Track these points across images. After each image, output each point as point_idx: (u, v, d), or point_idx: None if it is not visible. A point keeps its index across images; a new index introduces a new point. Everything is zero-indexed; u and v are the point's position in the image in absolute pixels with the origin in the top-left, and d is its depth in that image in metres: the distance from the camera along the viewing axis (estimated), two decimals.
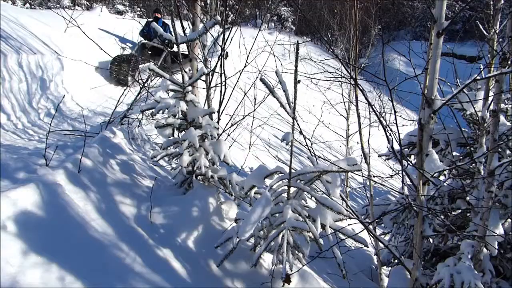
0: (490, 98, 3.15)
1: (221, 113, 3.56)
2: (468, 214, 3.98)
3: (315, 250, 2.68)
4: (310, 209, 2.64)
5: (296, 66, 2.24)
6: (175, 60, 7.72)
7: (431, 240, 4.15)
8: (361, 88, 2.76)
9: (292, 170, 2.52)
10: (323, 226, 2.53)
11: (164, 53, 7.58)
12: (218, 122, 3.41)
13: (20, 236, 1.97)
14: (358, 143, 5.01)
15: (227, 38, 3.47)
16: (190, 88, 3.05)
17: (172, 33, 2.96)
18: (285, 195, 2.63)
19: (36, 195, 2.26)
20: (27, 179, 2.47)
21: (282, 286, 2.55)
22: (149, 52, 8.30)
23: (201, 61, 3.65)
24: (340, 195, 2.64)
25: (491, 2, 3.11)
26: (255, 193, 2.86)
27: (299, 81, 2.27)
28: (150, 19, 8.38)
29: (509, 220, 3.62)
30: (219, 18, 3.09)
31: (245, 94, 4.32)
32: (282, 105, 2.33)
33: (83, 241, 2.22)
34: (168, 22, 8.45)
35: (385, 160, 5.08)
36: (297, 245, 2.60)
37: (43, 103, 5.22)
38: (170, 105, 2.87)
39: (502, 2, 3.04)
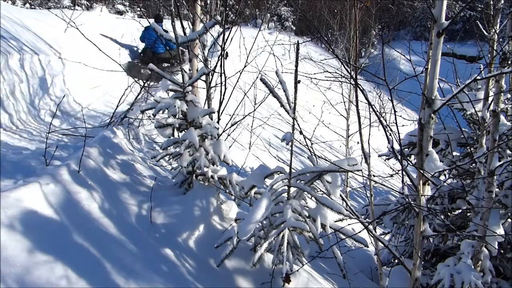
0: (490, 98, 3.15)
1: (221, 113, 3.56)
2: (468, 214, 3.98)
3: (315, 250, 2.68)
4: (310, 209, 2.64)
5: (296, 66, 2.24)
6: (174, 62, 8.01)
7: (431, 240, 4.15)
8: (361, 88, 2.75)
9: (293, 170, 2.52)
10: (323, 226, 2.54)
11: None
12: (218, 122, 3.41)
13: (23, 235, 1.98)
14: (358, 143, 5.01)
15: (227, 38, 3.47)
16: (190, 88, 3.05)
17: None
18: (285, 195, 2.63)
19: (37, 195, 2.27)
20: (28, 179, 2.47)
21: (282, 286, 2.55)
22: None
23: (201, 61, 3.65)
24: (340, 195, 2.65)
25: (491, 2, 3.11)
26: (255, 193, 2.86)
27: (299, 81, 2.27)
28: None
29: (509, 220, 3.61)
30: (219, 18, 3.09)
31: (245, 94, 4.32)
32: (282, 105, 2.33)
33: (85, 240, 2.22)
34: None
35: (385, 160, 5.07)
36: (297, 245, 2.60)
37: (44, 103, 5.22)
38: (170, 105, 2.87)
39: (502, 2, 3.05)
